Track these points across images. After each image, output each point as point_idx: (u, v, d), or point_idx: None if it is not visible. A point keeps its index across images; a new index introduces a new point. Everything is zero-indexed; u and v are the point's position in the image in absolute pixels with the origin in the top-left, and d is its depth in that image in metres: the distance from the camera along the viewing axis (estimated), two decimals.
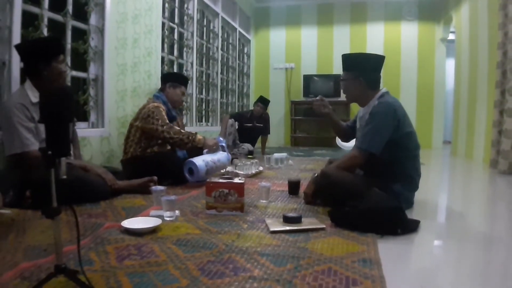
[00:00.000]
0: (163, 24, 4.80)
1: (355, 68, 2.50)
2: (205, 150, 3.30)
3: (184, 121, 5.40)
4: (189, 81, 5.55)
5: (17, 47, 2.43)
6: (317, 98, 2.79)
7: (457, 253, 1.77)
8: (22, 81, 2.62)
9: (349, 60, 2.56)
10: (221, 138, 3.50)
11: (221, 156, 3.34)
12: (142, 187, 2.75)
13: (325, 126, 8.33)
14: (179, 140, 3.14)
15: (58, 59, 2.39)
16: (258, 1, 8.66)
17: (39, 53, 2.35)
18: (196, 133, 3.26)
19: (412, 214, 2.25)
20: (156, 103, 3.28)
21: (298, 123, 8.60)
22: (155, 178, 2.80)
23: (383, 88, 2.51)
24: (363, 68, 2.48)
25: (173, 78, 3.58)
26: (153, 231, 1.82)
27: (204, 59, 6.33)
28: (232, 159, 4.13)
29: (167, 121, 3.19)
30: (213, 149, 3.31)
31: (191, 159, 3.09)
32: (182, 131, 3.20)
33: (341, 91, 2.68)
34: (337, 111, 7.94)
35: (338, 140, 6.30)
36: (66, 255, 1.40)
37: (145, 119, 3.14)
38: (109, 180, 2.64)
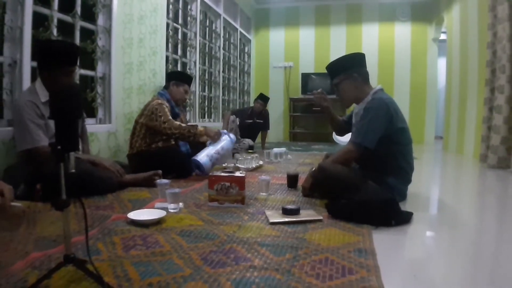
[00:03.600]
0: (168, 24, 4.78)
1: (345, 70, 2.47)
2: (208, 142, 3.28)
3: (188, 117, 5.39)
4: (193, 79, 5.55)
5: (34, 44, 2.40)
6: (318, 90, 2.77)
7: (448, 243, 1.77)
8: (33, 79, 2.61)
9: (335, 66, 2.53)
10: (224, 131, 3.46)
11: (225, 143, 3.28)
12: (147, 180, 2.74)
13: (323, 122, 8.32)
14: (181, 135, 3.17)
15: (65, 70, 2.31)
16: (258, 3, 8.62)
17: (47, 57, 2.31)
18: (196, 125, 3.27)
19: (405, 206, 2.25)
20: (160, 100, 3.28)
21: (296, 119, 8.57)
22: (160, 172, 2.80)
23: (378, 85, 2.50)
24: (352, 66, 2.47)
25: (177, 77, 3.58)
26: (158, 222, 1.81)
27: (206, 58, 6.30)
28: (233, 153, 4.12)
29: (169, 117, 3.20)
30: (215, 139, 3.27)
31: (195, 157, 3.10)
32: (183, 125, 3.20)
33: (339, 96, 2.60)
34: (334, 107, 8.00)
35: (335, 135, 6.30)
36: (74, 246, 1.40)
37: (149, 116, 3.16)
38: (117, 171, 2.64)
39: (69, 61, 2.33)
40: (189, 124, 3.39)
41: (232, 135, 3.41)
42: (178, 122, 3.24)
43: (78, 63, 2.49)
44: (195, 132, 3.18)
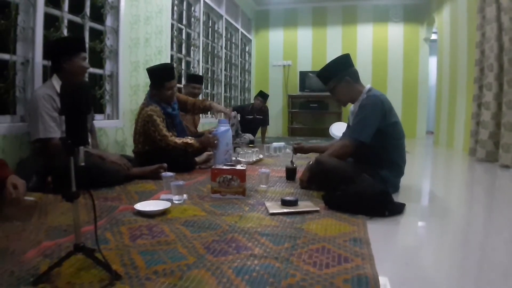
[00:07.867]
0: (172, 25, 4.75)
1: (336, 74, 2.46)
2: (210, 153, 3.24)
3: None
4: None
5: (46, 45, 2.44)
6: (297, 141, 2.90)
7: (438, 233, 1.77)
8: (44, 77, 2.61)
9: (325, 73, 2.51)
10: (223, 119, 3.32)
11: (228, 140, 3.18)
12: (153, 173, 2.73)
13: (320, 118, 8.32)
14: (176, 150, 3.01)
15: (79, 56, 2.39)
16: (258, 4, 8.57)
17: (63, 49, 2.36)
18: (187, 142, 3.05)
19: (398, 198, 2.24)
20: (149, 107, 2.99)
21: (294, 115, 8.55)
22: (165, 165, 2.77)
23: (367, 85, 2.49)
24: (342, 69, 2.45)
25: (152, 80, 3.12)
26: (163, 213, 1.81)
27: (209, 57, 6.28)
28: (235, 147, 4.11)
29: (163, 132, 2.96)
30: (214, 144, 3.09)
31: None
32: (178, 142, 3.00)
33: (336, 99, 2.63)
34: (331, 105, 8.02)
35: (331, 131, 6.28)
36: (84, 235, 1.40)
37: (143, 126, 2.99)
38: (125, 164, 2.63)
39: (80, 47, 2.44)
40: (185, 139, 3.08)
41: (229, 127, 3.25)
42: (172, 138, 3.00)
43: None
44: (192, 150, 3.07)
